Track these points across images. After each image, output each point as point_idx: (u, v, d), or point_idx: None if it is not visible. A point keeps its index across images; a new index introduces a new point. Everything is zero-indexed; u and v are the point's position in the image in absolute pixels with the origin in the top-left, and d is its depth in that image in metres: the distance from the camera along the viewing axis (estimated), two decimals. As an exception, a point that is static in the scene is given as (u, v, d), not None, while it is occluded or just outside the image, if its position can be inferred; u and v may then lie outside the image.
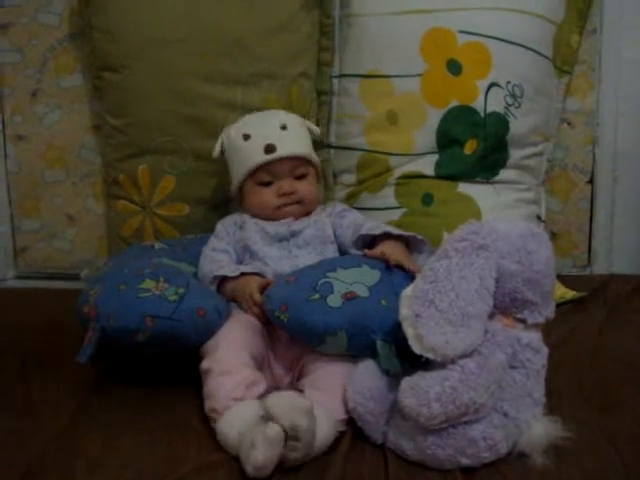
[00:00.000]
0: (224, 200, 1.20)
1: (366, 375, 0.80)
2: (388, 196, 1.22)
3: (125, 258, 1.04)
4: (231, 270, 0.98)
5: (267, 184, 1.04)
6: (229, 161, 1.08)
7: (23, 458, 0.77)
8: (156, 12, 1.18)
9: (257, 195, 1.04)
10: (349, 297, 0.84)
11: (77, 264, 1.32)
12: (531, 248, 0.76)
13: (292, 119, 1.08)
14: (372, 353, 0.82)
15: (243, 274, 0.97)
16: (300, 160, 1.04)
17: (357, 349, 0.84)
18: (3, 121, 1.32)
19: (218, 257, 1.01)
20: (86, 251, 1.33)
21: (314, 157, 1.08)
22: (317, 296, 0.85)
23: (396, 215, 1.21)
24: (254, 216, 1.05)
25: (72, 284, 1.26)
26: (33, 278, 1.36)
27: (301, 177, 1.05)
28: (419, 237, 1.00)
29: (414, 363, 0.77)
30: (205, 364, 0.86)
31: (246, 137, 1.04)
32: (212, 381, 0.83)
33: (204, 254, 1.03)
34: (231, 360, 0.85)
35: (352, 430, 0.80)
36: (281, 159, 1.02)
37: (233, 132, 1.07)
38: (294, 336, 0.88)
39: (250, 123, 1.07)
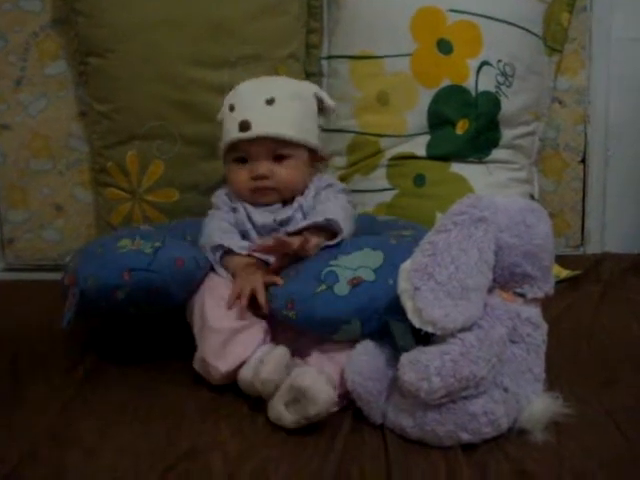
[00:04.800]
0: (215, 185, 1.17)
1: (364, 355, 0.79)
2: (380, 178, 1.21)
3: (105, 235, 1.03)
4: (239, 246, 0.92)
5: (243, 163, 0.96)
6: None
7: (14, 450, 0.76)
8: (141, -5, 1.17)
9: (232, 173, 0.97)
10: (355, 283, 0.82)
11: (66, 254, 1.29)
12: (530, 222, 0.75)
13: (287, 90, 0.97)
14: (385, 334, 0.80)
15: (250, 256, 0.91)
16: (280, 142, 0.94)
17: (371, 333, 0.82)
18: (-14, 111, 1.30)
19: (225, 225, 0.96)
20: (75, 241, 1.31)
21: (302, 138, 0.95)
22: (323, 287, 0.83)
23: (388, 197, 1.20)
24: (238, 197, 0.98)
25: (61, 275, 1.24)
26: (21, 270, 1.34)
27: (281, 159, 0.95)
28: (321, 221, 0.90)
29: (418, 342, 0.76)
30: (212, 322, 0.85)
31: (231, 108, 0.96)
32: (230, 340, 0.83)
33: (210, 218, 0.97)
34: (239, 314, 0.85)
35: (352, 412, 0.80)
36: (256, 138, 0.93)
37: (226, 99, 1.00)
38: (305, 330, 0.85)
39: (239, 92, 0.99)
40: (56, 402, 0.85)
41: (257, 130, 0.93)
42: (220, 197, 1.01)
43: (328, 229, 0.91)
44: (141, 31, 1.16)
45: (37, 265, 1.33)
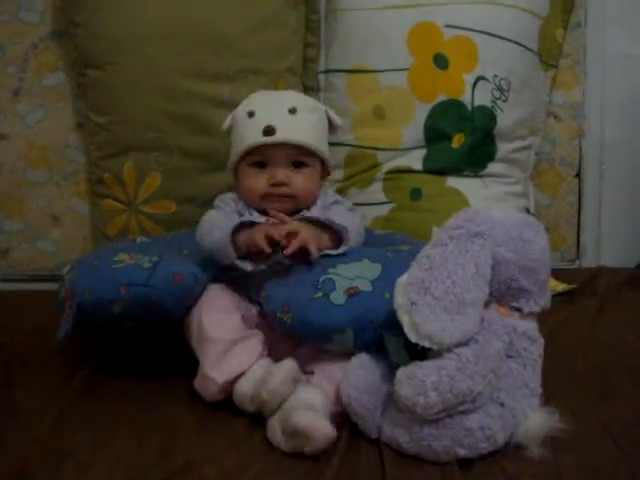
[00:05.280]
0: (212, 198, 1.17)
1: (360, 369, 0.78)
2: (376, 191, 1.21)
3: (101, 247, 1.03)
4: (245, 218, 0.92)
5: (261, 168, 0.95)
6: (231, 137, 1.01)
7: (5, 463, 0.75)
8: (139, 8, 1.17)
9: (248, 178, 0.96)
10: (352, 293, 0.82)
11: (62, 265, 1.29)
12: (527, 237, 0.75)
13: (306, 103, 0.98)
14: (380, 348, 0.80)
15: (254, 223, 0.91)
16: (301, 149, 0.94)
17: (365, 345, 0.82)
18: (-16, 121, 1.30)
19: (224, 217, 0.94)
20: (71, 252, 1.31)
21: (320, 149, 0.96)
22: (320, 294, 0.83)
23: (384, 210, 1.20)
24: (246, 203, 0.98)
25: (57, 286, 1.23)
26: (17, 280, 1.33)
27: (299, 166, 0.95)
28: (340, 226, 0.91)
29: (414, 356, 0.76)
30: (209, 333, 0.85)
31: (250, 114, 0.95)
32: (227, 350, 0.83)
33: (207, 220, 0.94)
34: (237, 326, 0.85)
35: (348, 426, 0.79)
36: (279, 144, 0.93)
37: (241, 107, 0.99)
38: (299, 336, 0.86)
39: (258, 100, 0.99)
40: (50, 413, 0.84)
41: (282, 135, 0.93)
42: (225, 199, 1.00)
43: (337, 236, 0.91)
44: (139, 44, 1.16)
45: (32, 275, 1.33)
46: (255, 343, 0.86)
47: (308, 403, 0.78)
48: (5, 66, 1.28)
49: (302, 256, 0.88)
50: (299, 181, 0.95)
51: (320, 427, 0.75)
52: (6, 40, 1.28)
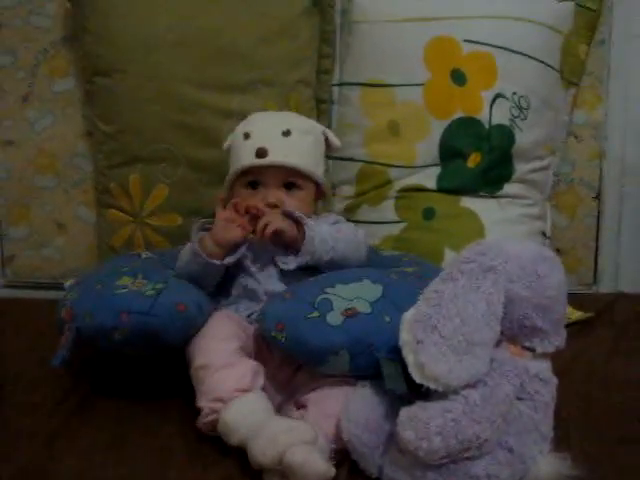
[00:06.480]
0: (218, 211, 1.16)
1: (362, 404, 0.75)
2: (388, 210, 1.18)
3: (106, 264, 1.01)
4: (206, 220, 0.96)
5: (254, 189, 0.97)
6: (229, 157, 1.02)
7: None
8: (150, 16, 1.15)
9: (241, 198, 0.97)
10: (350, 314, 0.80)
11: (66, 274, 1.28)
12: (543, 272, 0.72)
13: (302, 125, 1.00)
14: (376, 373, 0.77)
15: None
16: (293, 171, 0.96)
17: (360, 369, 0.79)
18: (-8, 125, 1.29)
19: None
20: (75, 260, 1.29)
21: (313, 171, 0.98)
22: (316, 314, 0.81)
23: (396, 230, 1.17)
24: None
25: (60, 294, 1.21)
26: (21, 287, 1.32)
27: (291, 188, 0.97)
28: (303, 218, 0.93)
29: (415, 388, 0.72)
30: (201, 360, 0.83)
31: (246, 136, 0.98)
32: (214, 375, 0.81)
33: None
34: (231, 353, 0.83)
35: (348, 466, 0.76)
36: (271, 166, 0.95)
37: (239, 128, 1.01)
38: (292, 356, 0.83)
39: (254, 121, 1.01)
40: (40, 436, 0.82)
41: (273, 158, 0.95)
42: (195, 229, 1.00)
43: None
44: (149, 52, 1.14)
45: (36, 283, 1.31)
46: (244, 371, 0.82)
47: (304, 439, 0.74)
48: (15, 71, 1.27)
49: (274, 242, 0.91)
50: (291, 203, 0.96)
51: (315, 466, 0.71)
52: (17, 45, 1.27)
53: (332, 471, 0.72)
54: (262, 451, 0.73)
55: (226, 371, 0.81)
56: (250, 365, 0.83)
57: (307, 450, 0.72)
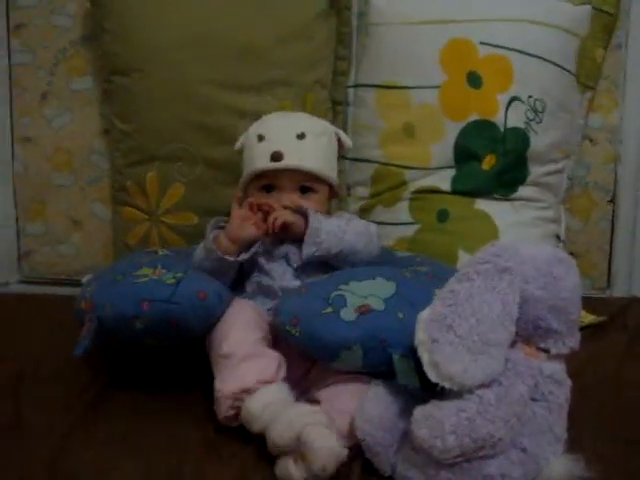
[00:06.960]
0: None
1: (375, 402, 0.76)
2: (402, 211, 1.18)
3: (122, 260, 1.02)
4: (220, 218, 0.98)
5: (269, 192, 0.97)
6: (243, 157, 1.03)
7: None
8: (168, 16, 1.16)
9: (256, 199, 0.97)
10: (363, 311, 0.80)
11: (81, 270, 1.29)
12: (558, 274, 0.72)
13: (315, 127, 1.00)
14: (389, 369, 0.78)
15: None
16: (309, 175, 0.97)
17: (373, 365, 0.80)
18: (12, 122, 1.30)
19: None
20: (91, 257, 1.31)
21: (328, 174, 0.99)
22: (330, 309, 0.81)
23: (410, 231, 1.17)
24: None
25: (76, 290, 1.21)
26: (37, 283, 1.34)
27: (306, 191, 0.98)
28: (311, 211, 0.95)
29: (429, 387, 0.73)
30: (224, 348, 0.83)
31: (260, 138, 0.98)
32: (238, 365, 0.82)
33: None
34: (254, 343, 0.84)
35: (361, 462, 0.76)
36: (286, 170, 0.96)
37: (252, 129, 1.01)
38: (306, 351, 0.84)
39: (268, 123, 1.01)
40: (57, 431, 0.82)
41: (289, 162, 0.95)
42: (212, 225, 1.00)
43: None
44: (167, 51, 1.15)
45: (52, 279, 1.33)
46: (268, 363, 0.83)
47: (320, 421, 0.75)
48: (35, 70, 1.29)
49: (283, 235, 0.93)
50: (307, 206, 0.96)
51: (331, 444, 0.72)
52: (37, 43, 1.28)
53: (345, 452, 0.73)
54: (280, 434, 0.74)
55: (250, 362, 0.82)
56: (273, 356, 0.84)
57: (323, 429, 0.73)
